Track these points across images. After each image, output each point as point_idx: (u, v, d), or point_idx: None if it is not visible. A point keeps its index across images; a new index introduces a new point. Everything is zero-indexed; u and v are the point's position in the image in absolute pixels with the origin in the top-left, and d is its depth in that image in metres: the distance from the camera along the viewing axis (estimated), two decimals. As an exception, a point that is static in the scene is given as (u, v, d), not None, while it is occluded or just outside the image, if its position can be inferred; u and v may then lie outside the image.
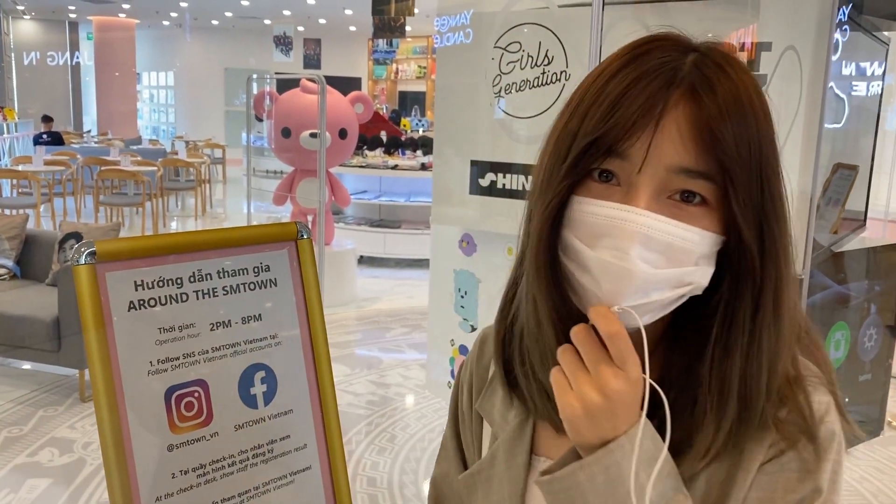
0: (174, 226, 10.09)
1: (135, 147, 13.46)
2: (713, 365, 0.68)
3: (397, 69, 18.52)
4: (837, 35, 2.58)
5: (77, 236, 4.56)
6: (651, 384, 0.66)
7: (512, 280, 0.82)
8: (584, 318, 0.69)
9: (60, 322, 4.07)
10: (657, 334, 0.72)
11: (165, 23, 18.71)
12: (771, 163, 0.66)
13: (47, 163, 9.85)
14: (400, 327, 5.75)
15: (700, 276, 0.66)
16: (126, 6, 16.12)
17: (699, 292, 0.67)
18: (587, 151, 0.65)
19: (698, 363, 0.69)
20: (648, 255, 0.64)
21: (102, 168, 9.35)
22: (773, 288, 0.67)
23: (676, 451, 0.67)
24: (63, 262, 4.52)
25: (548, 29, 2.53)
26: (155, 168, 9.78)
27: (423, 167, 7.95)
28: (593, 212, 0.66)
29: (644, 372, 0.65)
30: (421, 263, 7.34)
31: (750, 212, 0.65)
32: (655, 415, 0.67)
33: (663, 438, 0.66)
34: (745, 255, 0.66)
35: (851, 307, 2.91)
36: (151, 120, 21.04)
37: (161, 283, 1.02)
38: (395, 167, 8.11)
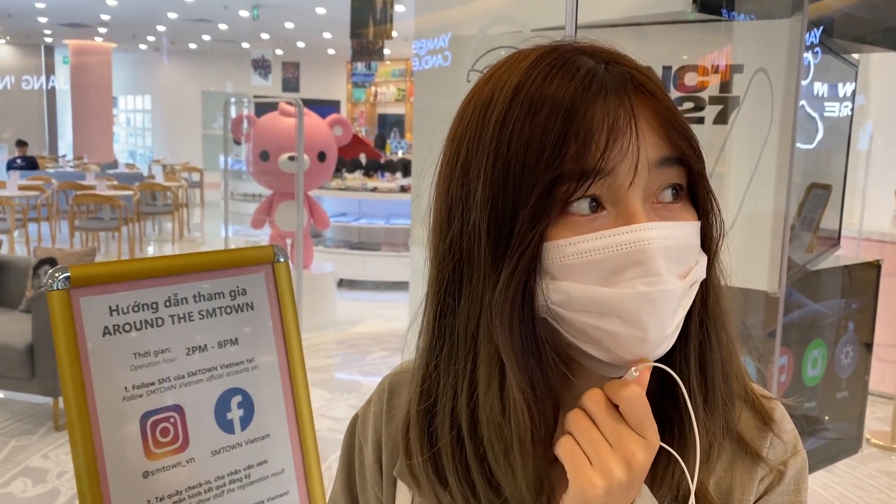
0: (151, 250, 10.00)
1: (111, 171, 13.37)
2: (692, 359, 0.63)
3: (376, 92, 18.60)
4: (809, 57, 2.64)
5: (52, 262, 4.51)
6: (670, 450, 0.61)
7: (426, 365, 0.68)
8: (560, 394, 0.62)
9: (34, 349, 4.00)
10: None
11: (143, 46, 18.68)
12: None
13: (21, 188, 9.75)
14: (380, 350, 5.72)
15: (701, 270, 0.62)
16: (102, 30, 16.09)
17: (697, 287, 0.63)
18: (555, 183, 0.57)
19: (680, 350, 0.63)
20: (672, 267, 0.58)
21: (78, 193, 9.28)
22: (719, 270, 0.65)
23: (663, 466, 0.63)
24: (37, 288, 4.46)
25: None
26: (132, 192, 9.71)
27: (403, 189, 7.96)
28: (598, 247, 0.57)
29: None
30: (401, 286, 7.32)
31: (709, 191, 0.63)
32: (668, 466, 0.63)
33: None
34: (712, 238, 0.64)
35: (827, 325, 2.94)
36: (128, 144, 20.93)
37: (136, 308, 1.01)
38: (374, 189, 8.12)
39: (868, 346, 3.13)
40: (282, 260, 1.18)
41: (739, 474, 0.67)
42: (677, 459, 0.61)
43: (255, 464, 1.11)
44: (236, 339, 1.11)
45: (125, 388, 0.98)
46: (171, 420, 1.02)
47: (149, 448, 0.99)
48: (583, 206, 0.58)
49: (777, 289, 2.16)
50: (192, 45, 18.18)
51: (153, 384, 1.01)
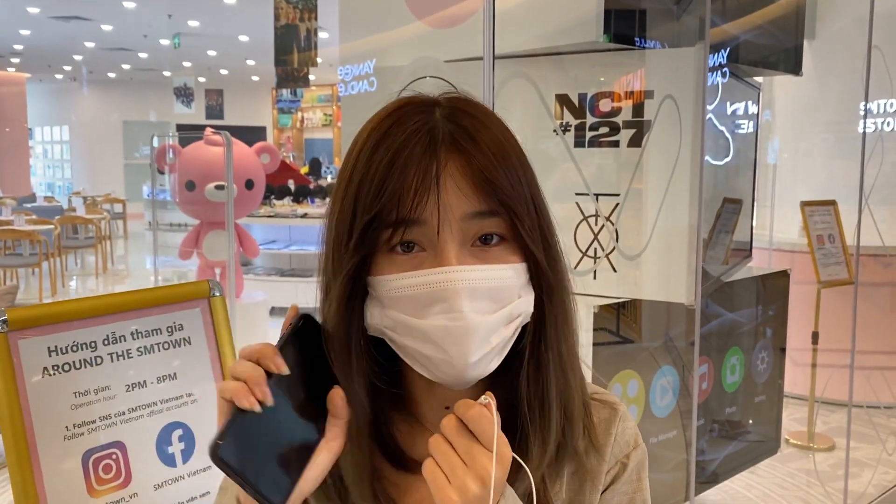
0: (73, 285, 9.69)
1: (29, 205, 12.92)
2: (530, 380, 0.72)
3: (302, 117, 18.52)
4: (718, 78, 2.80)
5: (-30, 302, 4.35)
6: (518, 460, 0.67)
7: None
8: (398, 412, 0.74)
9: (-47, 393, 3.86)
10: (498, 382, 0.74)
11: (59, 76, 18.16)
12: (539, 191, 0.73)
13: (-68, 225, 9.34)
14: (315, 377, 5.69)
15: (525, 305, 0.71)
16: (15, 60, 15.60)
17: (528, 319, 0.72)
18: (370, 226, 0.67)
19: (517, 381, 0.73)
20: (478, 304, 0.67)
21: (-6, 229, 8.94)
22: (563, 303, 0.74)
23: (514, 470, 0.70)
24: (-45, 329, 4.30)
25: (448, 82, 2.63)
26: (52, 226, 9.41)
27: (333, 215, 7.96)
28: (412, 284, 0.67)
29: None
30: (334, 311, 7.29)
31: (537, 237, 0.71)
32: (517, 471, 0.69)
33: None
34: (544, 276, 0.72)
35: (744, 332, 3.09)
36: (46, 176, 20.25)
37: (75, 348, 1.04)
38: (304, 216, 8.09)
39: (782, 351, 3.30)
40: (217, 294, 1.22)
41: (590, 470, 0.78)
42: (524, 467, 0.68)
43: (198, 495, 1.14)
44: (175, 373, 1.14)
45: (66, 427, 1.00)
46: (113, 456, 1.04)
47: (91, 485, 1.01)
48: (403, 247, 0.68)
49: (692, 301, 2.28)
50: (112, 75, 17.77)
51: (94, 422, 1.03)
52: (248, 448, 0.62)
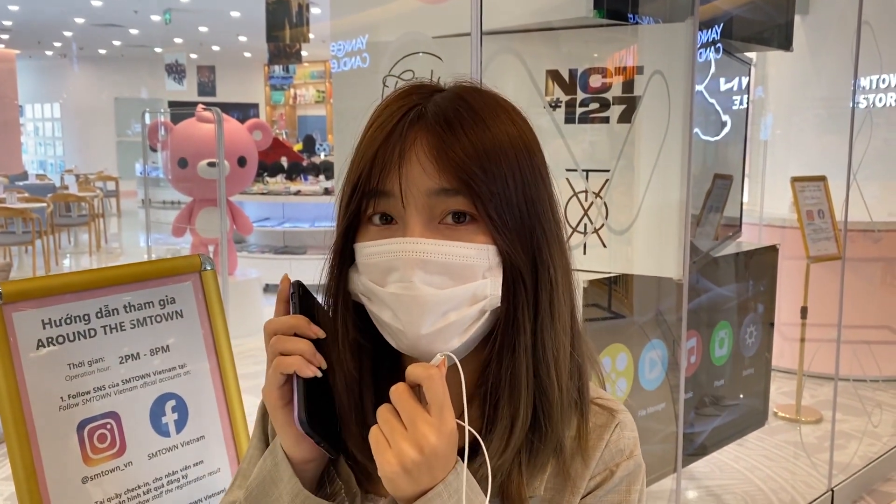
0: (67, 263, 9.68)
1: (21, 183, 12.87)
2: (502, 364, 0.72)
3: (295, 94, 18.42)
4: (711, 54, 2.81)
5: (-37, 279, 4.37)
6: (471, 431, 0.68)
7: None
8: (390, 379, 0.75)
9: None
10: (477, 366, 0.75)
11: (49, 53, 18.00)
12: (528, 171, 0.72)
13: (-76, 203, 9.29)
14: (309, 353, 5.71)
15: (492, 288, 0.71)
16: (4, 36, 15.46)
17: (498, 303, 0.72)
18: (352, 196, 0.73)
19: (491, 365, 0.73)
20: (431, 278, 0.69)
21: (-14, 206, 8.91)
22: (548, 290, 0.73)
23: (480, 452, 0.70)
24: (-51, 306, 4.31)
25: (438, 58, 2.63)
26: (44, 204, 9.39)
27: (327, 192, 7.96)
28: (375, 252, 0.71)
29: (463, 419, 0.67)
30: (328, 288, 7.31)
31: (509, 220, 0.70)
32: (478, 452, 0.69)
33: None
34: (512, 261, 0.71)
35: (733, 307, 3.12)
36: (38, 154, 20.13)
37: (69, 320, 1.05)
38: (297, 193, 8.08)
39: (771, 326, 3.34)
40: (208, 268, 1.23)
41: (572, 474, 0.76)
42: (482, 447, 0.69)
43: (191, 464, 1.16)
44: (167, 346, 1.16)
45: (61, 397, 1.02)
46: (108, 426, 1.07)
47: (87, 454, 1.03)
48: (377, 218, 0.73)
49: (681, 276, 2.30)
50: (102, 51, 17.62)
51: (88, 393, 1.05)
52: (318, 410, 0.72)
